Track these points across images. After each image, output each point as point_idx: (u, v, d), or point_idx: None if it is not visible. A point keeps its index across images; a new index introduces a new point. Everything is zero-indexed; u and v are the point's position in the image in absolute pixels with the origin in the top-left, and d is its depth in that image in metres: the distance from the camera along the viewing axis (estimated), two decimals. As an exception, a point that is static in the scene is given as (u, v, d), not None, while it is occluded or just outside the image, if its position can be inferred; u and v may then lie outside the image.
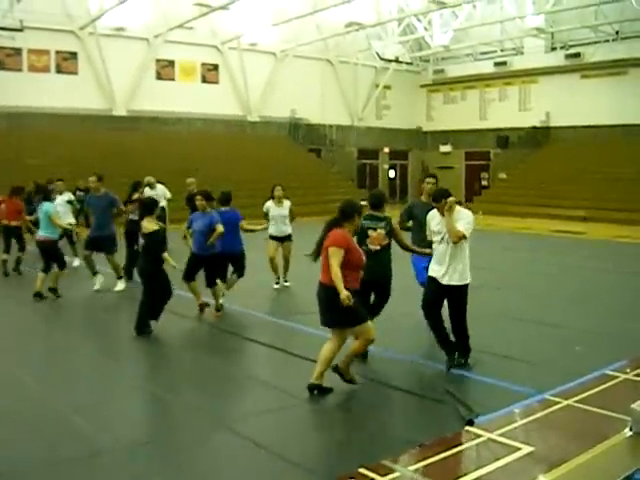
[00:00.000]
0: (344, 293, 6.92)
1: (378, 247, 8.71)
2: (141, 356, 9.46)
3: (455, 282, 8.01)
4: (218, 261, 11.59)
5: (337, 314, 7.18)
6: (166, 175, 21.45)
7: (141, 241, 10.21)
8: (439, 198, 8.03)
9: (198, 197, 11.35)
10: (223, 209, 11.90)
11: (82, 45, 31.50)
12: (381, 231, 8.77)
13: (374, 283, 8.70)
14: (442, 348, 8.33)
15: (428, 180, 10.18)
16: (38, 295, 12.41)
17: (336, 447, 6.30)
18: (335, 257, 7.08)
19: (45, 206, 12.66)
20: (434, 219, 8.22)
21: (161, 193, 17.88)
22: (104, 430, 6.50)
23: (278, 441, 6.26)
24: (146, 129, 33.11)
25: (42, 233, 12.66)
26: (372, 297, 8.94)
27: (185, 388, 7.94)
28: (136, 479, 5.61)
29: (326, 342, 7.44)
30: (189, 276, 11.26)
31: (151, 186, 17.56)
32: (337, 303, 6.98)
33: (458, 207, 8.07)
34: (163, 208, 17.18)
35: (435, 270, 8.16)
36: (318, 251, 7.35)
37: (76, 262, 16.25)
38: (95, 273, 13.36)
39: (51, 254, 12.67)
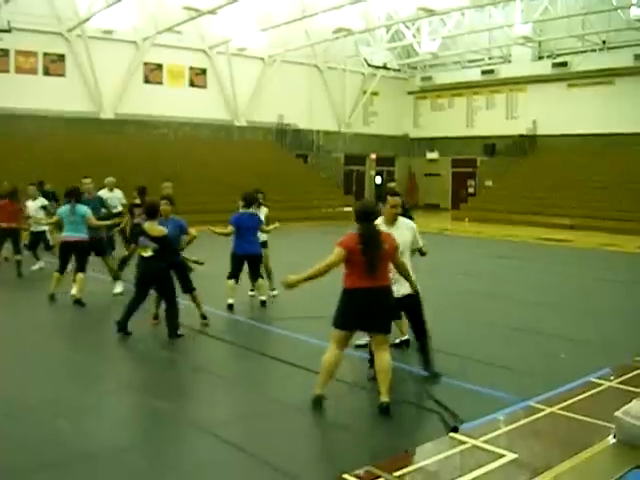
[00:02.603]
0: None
1: None
2: (124, 361, 9.45)
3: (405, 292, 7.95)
4: (243, 262, 11.97)
5: (389, 319, 7.25)
6: (152, 179, 21.36)
7: (143, 242, 10.09)
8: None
9: (163, 202, 10.87)
10: (242, 211, 12.06)
11: (70, 47, 31.40)
12: None
13: None
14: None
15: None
16: (53, 297, 12.39)
17: (321, 453, 6.30)
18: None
19: (80, 208, 12.40)
20: None
21: (118, 198, 17.50)
22: (88, 435, 6.47)
23: (262, 446, 6.23)
24: (133, 133, 33.05)
25: (75, 234, 12.34)
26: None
27: (169, 393, 7.89)
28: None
29: (330, 352, 7.14)
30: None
31: (110, 189, 17.24)
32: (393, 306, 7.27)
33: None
34: (119, 213, 16.72)
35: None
36: (380, 261, 6.99)
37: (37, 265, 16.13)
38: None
39: (82, 255, 12.48)
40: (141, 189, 14.15)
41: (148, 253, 9.97)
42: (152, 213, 10.19)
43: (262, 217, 12.71)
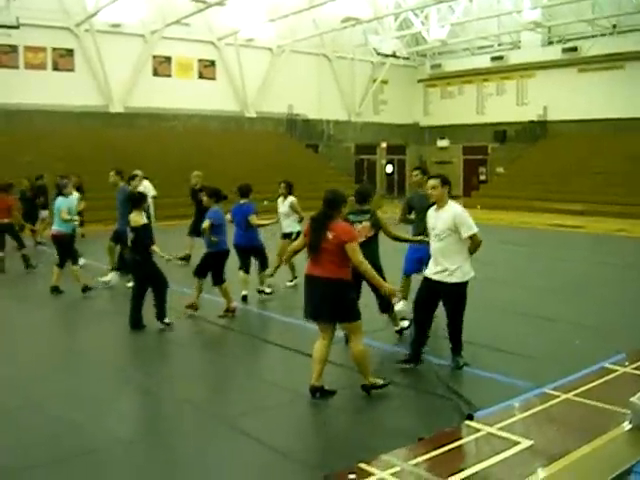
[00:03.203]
0: (388, 287, 7.39)
1: (364, 238, 8.75)
2: (137, 353, 9.47)
3: (447, 280, 7.95)
4: (241, 254, 12.09)
5: (344, 309, 7.11)
6: (163, 171, 21.44)
7: (130, 234, 10.24)
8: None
9: (202, 193, 11.52)
10: (242, 202, 12.10)
11: (79, 42, 31.36)
12: (366, 223, 8.97)
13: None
14: (411, 345, 8.38)
15: (414, 173, 10.64)
16: (55, 289, 12.64)
17: (336, 442, 6.31)
18: (359, 252, 7.05)
19: (58, 201, 12.83)
20: (430, 215, 8.24)
21: (145, 189, 17.70)
22: (96, 427, 6.50)
23: (279, 437, 6.26)
24: (143, 126, 33.03)
25: (55, 227, 12.82)
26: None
27: (184, 385, 7.92)
28: (137, 475, 5.62)
29: (317, 341, 7.29)
30: (199, 272, 11.18)
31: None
32: (344, 298, 7.05)
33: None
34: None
35: (429, 268, 8.17)
36: (317, 247, 7.06)
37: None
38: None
39: (65, 249, 12.75)
40: (129, 178, 14.15)
41: (129, 244, 10.26)
42: (136, 202, 10.24)
43: (286, 207, 13.12)
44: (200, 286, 11.04)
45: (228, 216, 11.96)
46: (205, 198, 11.25)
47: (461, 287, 7.98)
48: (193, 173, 16.14)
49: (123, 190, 13.58)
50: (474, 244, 7.90)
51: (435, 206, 8.08)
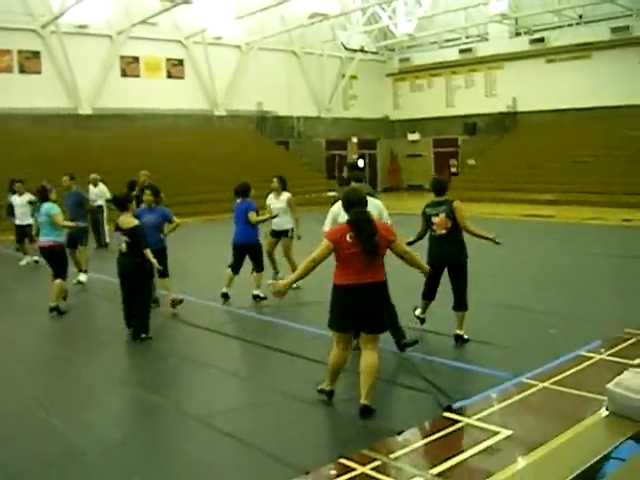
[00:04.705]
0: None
1: (444, 231, 8.84)
2: (115, 354, 9.39)
3: None
4: (237, 252, 11.91)
5: (384, 318, 6.78)
6: (135, 172, 21.26)
7: (118, 237, 9.96)
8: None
9: (147, 192, 11.13)
10: (239, 201, 11.97)
11: (45, 44, 31.06)
12: (442, 215, 8.88)
13: (448, 266, 8.95)
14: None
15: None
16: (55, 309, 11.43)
17: (316, 439, 6.31)
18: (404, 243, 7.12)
19: (46, 207, 11.46)
20: None
21: (100, 192, 18.00)
22: (83, 431, 6.47)
23: (257, 435, 6.25)
24: (112, 127, 32.73)
25: (47, 238, 11.45)
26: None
27: (162, 385, 7.89)
28: (117, 478, 5.58)
29: (337, 350, 6.76)
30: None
31: (94, 184, 17.97)
32: (387, 302, 6.98)
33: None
34: (101, 207, 17.80)
35: None
36: (376, 251, 6.44)
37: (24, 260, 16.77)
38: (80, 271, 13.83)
39: (59, 260, 11.53)
40: (131, 183, 14.22)
41: (123, 248, 9.72)
42: (122, 205, 10.03)
43: (283, 203, 12.72)
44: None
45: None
46: (150, 197, 11.08)
47: None
48: (141, 172, 15.74)
49: (77, 194, 13.83)
50: None
51: None
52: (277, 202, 12.83)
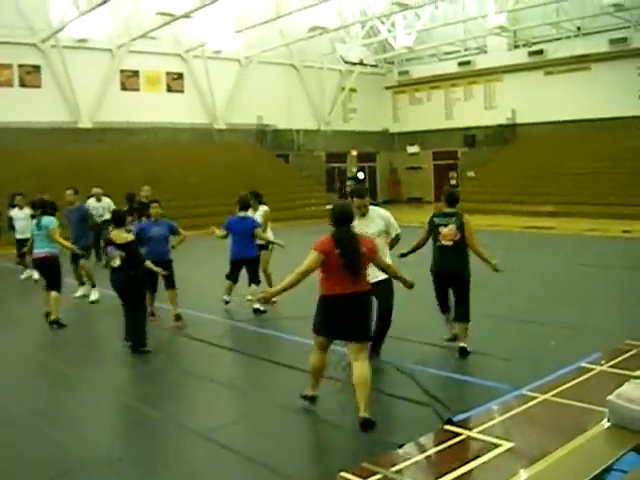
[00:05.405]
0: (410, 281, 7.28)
1: (450, 243, 8.85)
2: (115, 368, 9.36)
3: None
4: (236, 266, 12.00)
5: (369, 327, 6.90)
6: (135, 186, 21.29)
7: (111, 251, 9.91)
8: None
9: (154, 204, 11.34)
10: (242, 214, 11.98)
11: (45, 58, 31.15)
12: (452, 227, 8.89)
13: (451, 277, 8.98)
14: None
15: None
16: (55, 322, 11.39)
17: (316, 452, 6.30)
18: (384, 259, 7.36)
19: (46, 220, 11.48)
20: None
21: (106, 206, 17.99)
22: (81, 445, 6.43)
23: (257, 449, 6.22)
24: (112, 140, 32.81)
25: (43, 249, 11.44)
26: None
27: (162, 399, 7.85)
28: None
29: (317, 353, 6.91)
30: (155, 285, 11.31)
31: (98, 198, 18.03)
32: (371, 311, 7.02)
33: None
34: (107, 221, 17.42)
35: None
36: (360, 265, 6.61)
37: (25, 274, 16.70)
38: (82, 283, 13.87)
39: (53, 271, 11.52)
40: (130, 196, 14.22)
41: (117, 263, 9.66)
42: (118, 221, 10.01)
43: (258, 216, 12.52)
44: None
45: (217, 231, 11.97)
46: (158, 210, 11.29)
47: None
48: (143, 187, 15.80)
49: (81, 209, 13.83)
50: None
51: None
52: (256, 216, 12.64)
